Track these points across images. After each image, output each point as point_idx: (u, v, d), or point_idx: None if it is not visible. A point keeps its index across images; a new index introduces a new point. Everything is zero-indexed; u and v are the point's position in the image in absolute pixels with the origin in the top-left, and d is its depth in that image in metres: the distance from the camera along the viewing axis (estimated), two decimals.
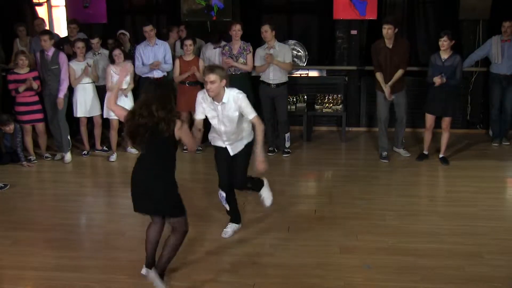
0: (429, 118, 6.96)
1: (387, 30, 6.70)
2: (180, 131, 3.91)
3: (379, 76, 6.93)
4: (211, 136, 4.95)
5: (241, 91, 4.78)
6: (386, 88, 6.84)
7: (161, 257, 4.09)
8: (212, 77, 4.44)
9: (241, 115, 4.68)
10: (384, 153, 7.21)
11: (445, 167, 6.92)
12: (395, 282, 4.20)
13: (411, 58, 6.99)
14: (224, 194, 4.93)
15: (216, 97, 4.57)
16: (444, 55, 6.69)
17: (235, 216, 5.15)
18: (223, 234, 5.08)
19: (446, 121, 6.91)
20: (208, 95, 4.57)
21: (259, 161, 4.67)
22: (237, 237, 5.00)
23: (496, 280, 4.20)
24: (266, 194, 5.15)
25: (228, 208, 5.05)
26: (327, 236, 4.99)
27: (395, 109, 7.10)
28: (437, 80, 6.60)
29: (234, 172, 4.87)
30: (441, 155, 7.06)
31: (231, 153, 4.85)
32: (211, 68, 4.54)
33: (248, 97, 4.71)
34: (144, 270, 4.28)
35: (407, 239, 4.90)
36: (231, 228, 5.13)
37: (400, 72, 6.80)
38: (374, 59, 6.96)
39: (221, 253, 4.72)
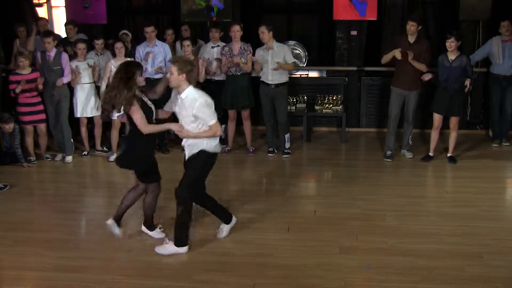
0: (437, 118, 6.95)
1: (410, 27, 6.76)
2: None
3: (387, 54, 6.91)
4: None
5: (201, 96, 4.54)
6: (397, 53, 6.74)
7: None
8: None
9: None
10: (389, 153, 7.21)
11: (445, 167, 6.92)
12: (395, 283, 4.19)
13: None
14: None
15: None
16: (451, 56, 6.70)
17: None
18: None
19: (453, 120, 6.91)
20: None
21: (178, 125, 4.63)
22: (237, 237, 5.00)
23: (496, 280, 4.19)
24: None
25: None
26: (327, 236, 4.98)
27: (404, 107, 7.09)
28: (467, 86, 6.68)
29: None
30: (449, 154, 7.07)
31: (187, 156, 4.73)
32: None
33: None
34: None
35: (407, 240, 4.90)
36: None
37: (422, 65, 6.78)
38: (390, 48, 6.94)
39: (221, 253, 4.72)
